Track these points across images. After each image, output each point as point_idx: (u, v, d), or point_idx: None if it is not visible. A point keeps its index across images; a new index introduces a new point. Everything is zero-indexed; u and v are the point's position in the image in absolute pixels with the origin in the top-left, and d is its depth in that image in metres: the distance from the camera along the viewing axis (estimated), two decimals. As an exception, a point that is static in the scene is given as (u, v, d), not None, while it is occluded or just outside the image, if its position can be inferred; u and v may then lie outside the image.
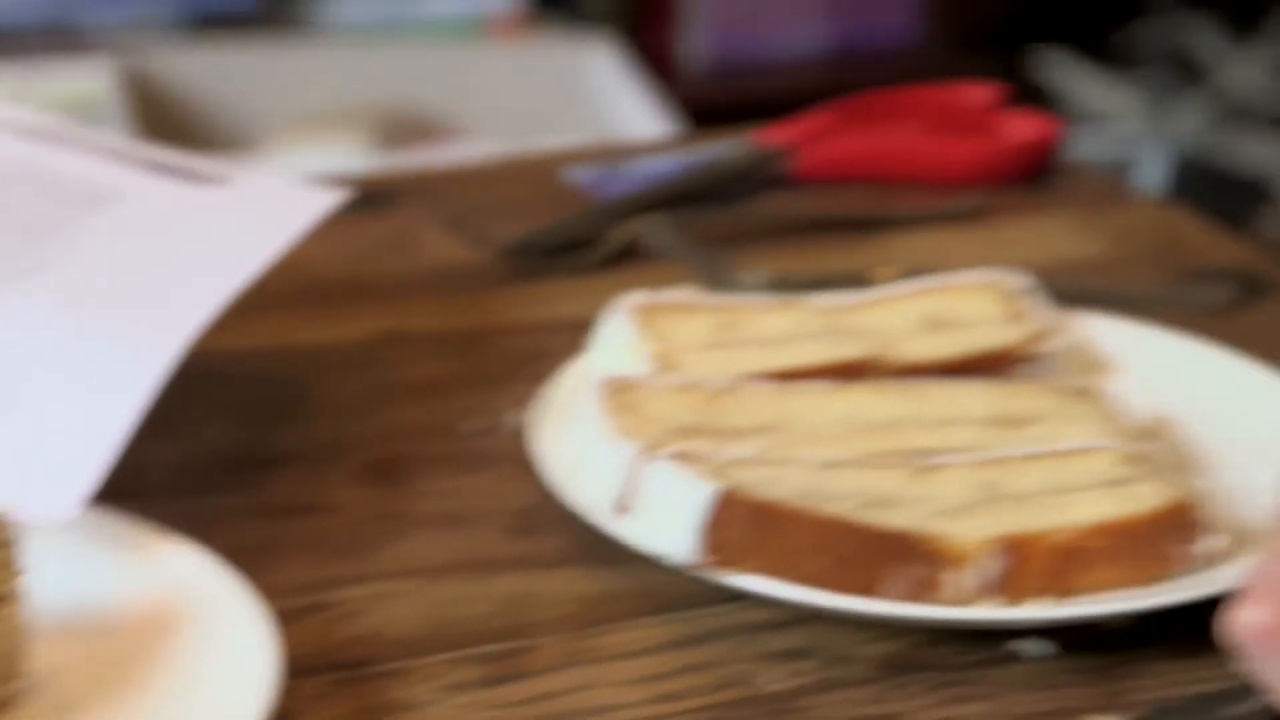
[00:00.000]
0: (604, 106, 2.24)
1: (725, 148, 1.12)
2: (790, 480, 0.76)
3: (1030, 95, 2.94)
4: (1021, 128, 1.12)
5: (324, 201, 0.83)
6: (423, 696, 0.71)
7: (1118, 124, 2.94)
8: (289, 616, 0.74)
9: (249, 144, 2.19)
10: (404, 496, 0.82)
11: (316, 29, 2.43)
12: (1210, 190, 3.11)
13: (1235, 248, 1.06)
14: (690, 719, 0.70)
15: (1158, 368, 0.91)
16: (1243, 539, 0.78)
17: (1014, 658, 0.74)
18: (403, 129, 2.24)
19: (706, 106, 2.37)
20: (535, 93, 2.30)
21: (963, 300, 0.90)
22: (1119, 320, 0.94)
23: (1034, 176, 1.12)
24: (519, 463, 0.82)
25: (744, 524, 0.73)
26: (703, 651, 0.74)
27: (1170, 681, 0.73)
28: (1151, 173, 2.85)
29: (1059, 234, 1.07)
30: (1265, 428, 0.86)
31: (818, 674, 0.73)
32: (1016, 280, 0.92)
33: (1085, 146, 2.88)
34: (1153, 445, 0.81)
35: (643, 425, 0.79)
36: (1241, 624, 0.65)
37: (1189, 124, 2.92)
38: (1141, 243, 1.06)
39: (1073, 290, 0.99)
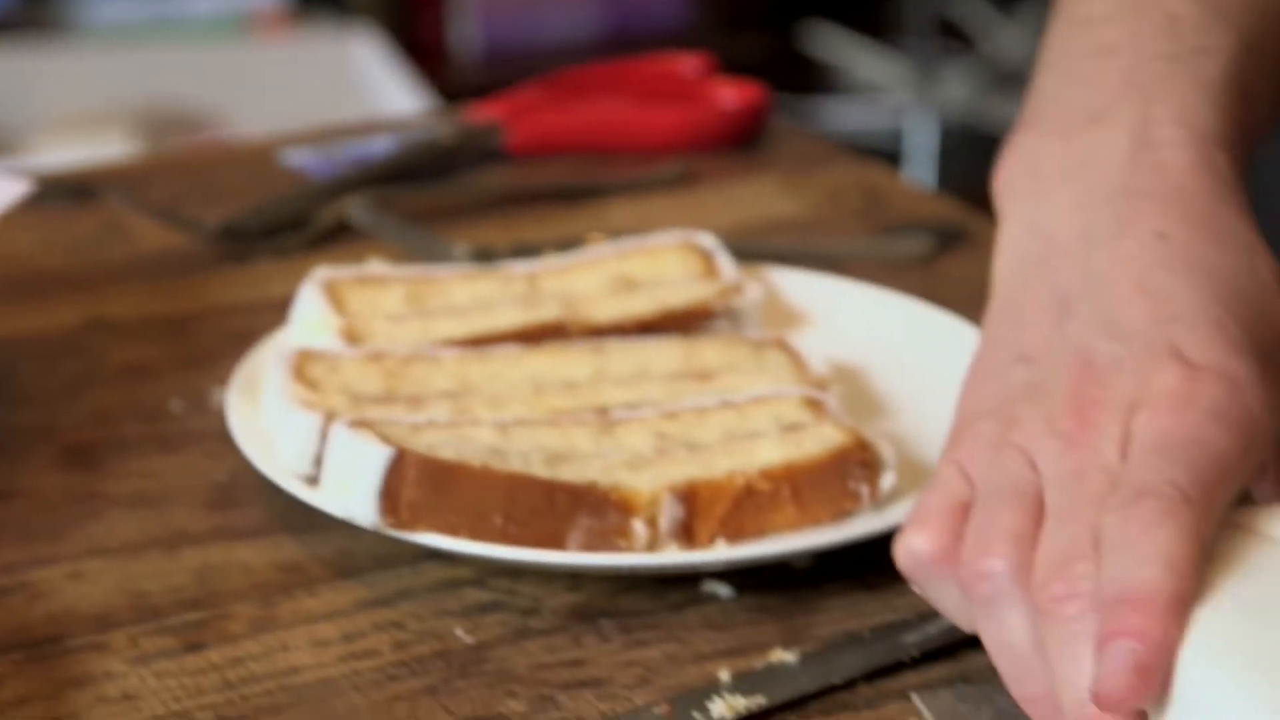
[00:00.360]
0: (371, 98, 2.25)
1: (439, 126, 1.14)
2: (475, 440, 0.78)
3: (802, 70, 2.99)
4: (730, 95, 1.15)
5: (6, 193, 0.84)
6: (115, 668, 0.72)
7: (888, 94, 2.99)
8: (-21, 599, 0.75)
9: (10, 147, 2.18)
10: (103, 478, 0.83)
11: (77, 31, 2.42)
12: (978, 155, 3.17)
13: (935, 202, 1.10)
14: (382, 675, 0.72)
15: (851, 318, 0.94)
16: (925, 478, 0.81)
17: (699, 601, 0.77)
18: (168, 127, 2.23)
19: (477, 94, 2.38)
20: (302, 86, 2.31)
21: (656, 261, 0.93)
22: (816, 274, 0.98)
23: (744, 142, 1.15)
24: (222, 440, 0.84)
25: (421, 484, 0.75)
26: (395, 610, 0.76)
27: (853, 614, 0.76)
28: (921, 140, 2.90)
29: (766, 196, 1.10)
30: (953, 372, 0.89)
31: (509, 626, 0.75)
32: (708, 239, 0.94)
33: (857, 117, 2.93)
34: (834, 391, 0.84)
35: (329, 395, 0.81)
36: (905, 551, 0.68)
37: (956, 92, 2.98)
38: (846, 201, 1.10)
39: (776, 248, 1.02)
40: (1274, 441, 0.68)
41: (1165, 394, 0.66)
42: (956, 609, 0.68)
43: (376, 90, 2.25)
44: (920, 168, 2.85)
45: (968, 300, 0.93)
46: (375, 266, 0.91)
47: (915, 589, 0.70)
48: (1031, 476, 0.67)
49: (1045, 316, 0.71)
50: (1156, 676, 0.61)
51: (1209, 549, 0.63)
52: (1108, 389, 0.67)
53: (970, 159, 3.05)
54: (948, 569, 0.67)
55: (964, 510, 0.68)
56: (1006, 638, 0.65)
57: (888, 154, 2.76)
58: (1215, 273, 0.70)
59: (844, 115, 2.91)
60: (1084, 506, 0.65)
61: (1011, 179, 0.76)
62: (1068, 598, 0.63)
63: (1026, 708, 0.65)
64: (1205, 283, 0.69)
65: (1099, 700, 0.61)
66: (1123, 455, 0.66)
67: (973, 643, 0.73)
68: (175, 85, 2.27)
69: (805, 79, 2.95)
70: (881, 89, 3.00)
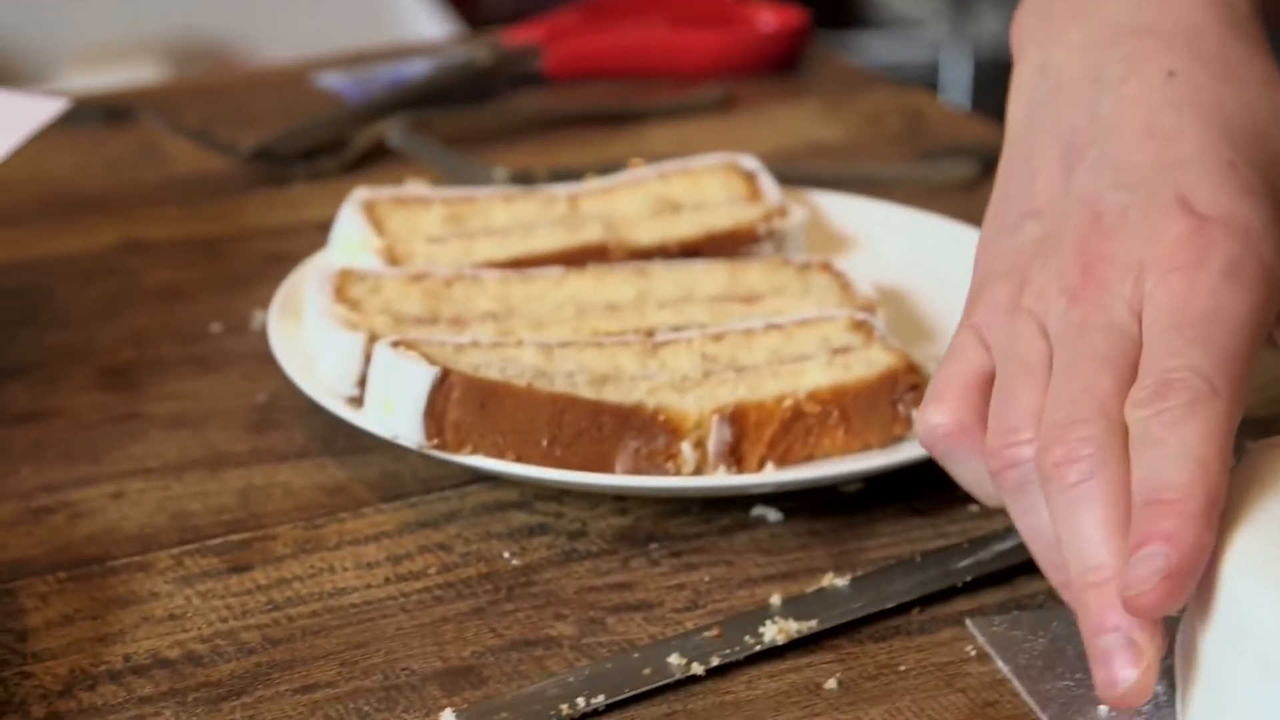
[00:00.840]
0: (401, 28, 2.24)
1: (475, 48, 1.13)
2: (520, 361, 0.77)
3: (838, 2, 2.97)
4: (768, 18, 1.13)
5: (42, 111, 0.83)
6: (159, 588, 0.71)
7: (923, 28, 2.97)
8: (20, 520, 0.74)
9: (39, 77, 2.17)
10: (143, 399, 0.82)
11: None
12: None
13: (976, 126, 1.09)
14: (429, 596, 0.72)
15: (895, 242, 0.93)
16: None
17: (748, 525, 0.76)
18: (197, 57, 2.22)
19: (507, 22, 2.36)
20: (331, 17, 2.29)
21: (698, 183, 0.92)
22: (859, 198, 0.96)
23: (782, 66, 1.14)
24: (262, 361, 0.83)
25: (466, 404, 0.74)
26: (442, 532, 0.75)
27: (904, 539, 0.75)
28: (956, 74, 2.88)
29: (806, 120, 1.09)
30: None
31: (556, 548, 0.74)
32: (751, 161, 0.93)
33: (892, 50, 2.91)
34: (881, 314, 0.83)
35: (370, 316, 0.80)
36: (924, 427, 0.67)
37: (991, 25, 2.96)
38: (884, 125, 1.08)
39: (817, 172, 1.00)
40: None
41: (1174, 250, 0.64)
42: (977, 484, 0.66)
43: (406, 20, 2.23)
44: (955, 101, 2.83)
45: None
46: (415, 187, 0.90)
47: (937, 461, 0.68)
48: (1043, 345, 0.65)
49: (1054, 165, 0.69)
50: (1187, 582, 0.59)
51: (1233, 439, 0.62)
52: (1116, 242, 0.65)
53: (1005, 93, 3.03)
54: (967, 444, 0.66)
55: (982, 381, 0.66)
56: (1037, 523, 0.64)
57: (923, 88, 2.74)
58: (1227, 111, 0.67)
59: (879, 48, 2.89)
60: (1086, 364, 0.63)
61: (1025, 21, 0.74)
62: (1067, 462, 0.61)
63: (1062, 593, 0.64)
64: (1216, 122, 0.67)
65: (1129, 605, 0.59)
66: (1133, 315, 0.64)
67: (1026, 568, 0.72)
68: (204, 15, 2.25)
69: (841, 12, 2.93)
70: (917, 22, 2.98)
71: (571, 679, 0.67)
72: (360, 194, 0.88)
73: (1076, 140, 0.68)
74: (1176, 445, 0.60)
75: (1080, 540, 0.61)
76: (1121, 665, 0.60)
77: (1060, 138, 0.69)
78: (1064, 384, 0.63)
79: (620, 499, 0.77)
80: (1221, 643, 0.60)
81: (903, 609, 0.71)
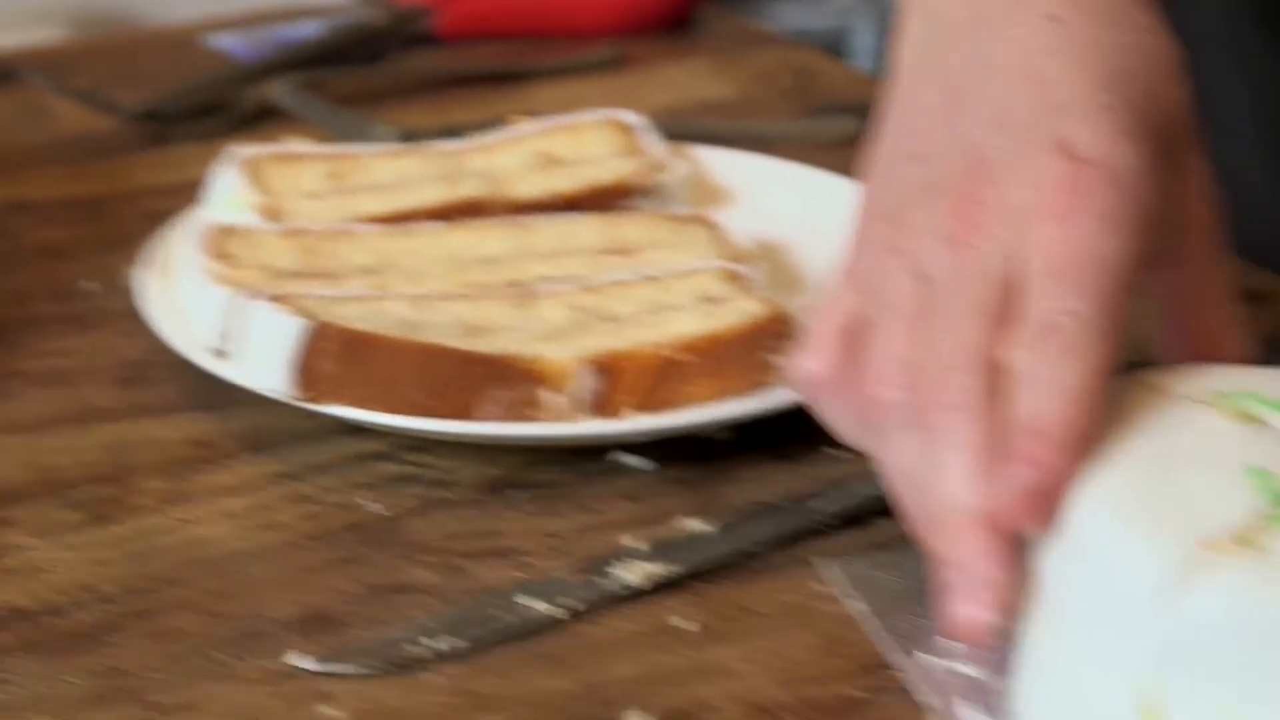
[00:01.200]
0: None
1: (367, 9, 1.13)
2: (390, 313, 0.77)
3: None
4: (660, -23, 1.14)
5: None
6: (23, 541, 0.72)
7: (833, -6, 2.98)
8: (-119, 477, 0.74)
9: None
10: (17, 357, 0.82)
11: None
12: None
13: (865, 83, 1.09)
14: (292, 547, 0.72)
15: (778, 197, 0.94)
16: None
17: (614, 474, 0.76)
18: (96, 22, 2.21)
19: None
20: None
21: (580, 139, 0.92)
22: (744, 154, 0.97)
23: (675, 25, 1.14)
24: (136, 319, 0.83)
25: (336, 356, 0.75)
26: (308, 484, 0.75)
27: (767, 485, 0.76)
28: (866, 40, 2.89)
29: (696, 79, 1.09)
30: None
31: (421, 498, 0.75)
32: (632, 118, 0.93)
33: (799, 17, 2.91)
34: (755, 265, 0.84)
35: (245, 271, 0.80)
36: (798, 373, 0.68)
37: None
38: (776, 83, 1.09)
39: (706, 129, 1.01)
40: (1167, 225, 0.66)
41: (1053, 195, 0.64)
42: (850, 430, 0.67)
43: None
44: (864, 67, 2.83)
45: (895, 179, 0.92)
46: (296, 144, 0.90)
47: (811, 409, 0.68)
48: (918, 289, 0.65)
49: (936, 109, 0.68)
50: (1044, 501, 0.61)
51: (1108, 381, 0.63)
52: (995, 186, 0.65)
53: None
54: (837, 390, 0.66)
55: (855, 327, 0.67)
56: (902, 465, 0.65)
57: (830, 53, 2.73)
58: (1106, 54, 0.67)
59: (788, 15, 2.89)
60: (962, 312, 0.64)
61: None
62: (940, 408, 0.62)
63: (920, 530, 0.65)
64: (1095, 66, 0.67)
65: (989, 519, 0.61)
66: (1010, 261, 0.64)
67: (884, 512, 0.73)
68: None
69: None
70: (826, -11, 2.98)
71: (430, 623, 0.68)
72: (241, 151, 0.88)
73: (959, 85, 0.69)
74: (1052, 381, 0.62)
75: (943, 481, 0.62)
76: (967, 601, 0.61)
77: (943, 82, 0.69)
78: (939, 331, 0.64)
79: (487, 448, 0.77)
80: (1063, 566, 0.61)
81: (764, 552, 0.72)
